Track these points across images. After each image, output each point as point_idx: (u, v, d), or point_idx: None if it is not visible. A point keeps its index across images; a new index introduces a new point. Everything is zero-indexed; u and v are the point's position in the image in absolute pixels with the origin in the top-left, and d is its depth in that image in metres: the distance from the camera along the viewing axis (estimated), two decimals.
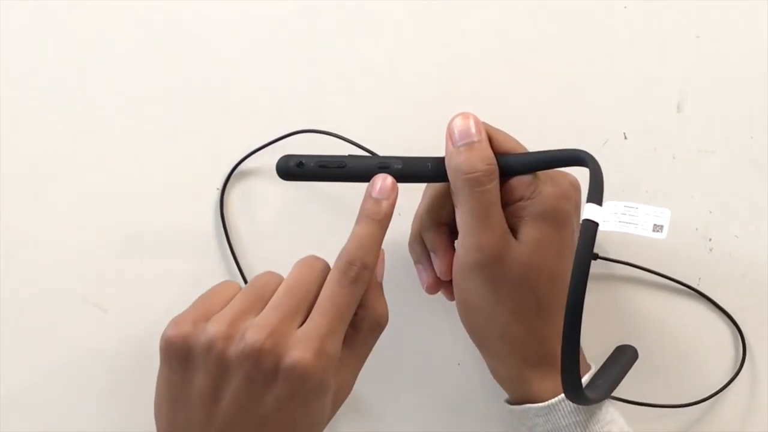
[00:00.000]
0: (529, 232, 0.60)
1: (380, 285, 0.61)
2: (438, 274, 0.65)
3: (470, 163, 0.59)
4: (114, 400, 0.71)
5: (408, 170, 0.61)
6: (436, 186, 0.64)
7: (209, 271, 0.71)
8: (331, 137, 0.69)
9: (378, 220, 0.58)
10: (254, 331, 0.53)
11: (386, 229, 0.59)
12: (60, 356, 0.71)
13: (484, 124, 0.61)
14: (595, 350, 0.67)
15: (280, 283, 0.57)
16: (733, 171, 0.72)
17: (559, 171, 0.62)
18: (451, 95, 0.72)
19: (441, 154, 0.61)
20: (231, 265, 0.71)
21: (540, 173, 0.61)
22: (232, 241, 0.71)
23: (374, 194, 0.59)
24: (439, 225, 0.65)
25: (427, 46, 0.73)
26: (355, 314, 0.58)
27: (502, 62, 0.73)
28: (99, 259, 0.71)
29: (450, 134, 0.61)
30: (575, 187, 0.62)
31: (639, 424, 0.64)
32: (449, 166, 0.60)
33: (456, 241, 0.63)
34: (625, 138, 0.72)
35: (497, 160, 0.60)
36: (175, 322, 0.56)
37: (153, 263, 0.71)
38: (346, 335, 0.57)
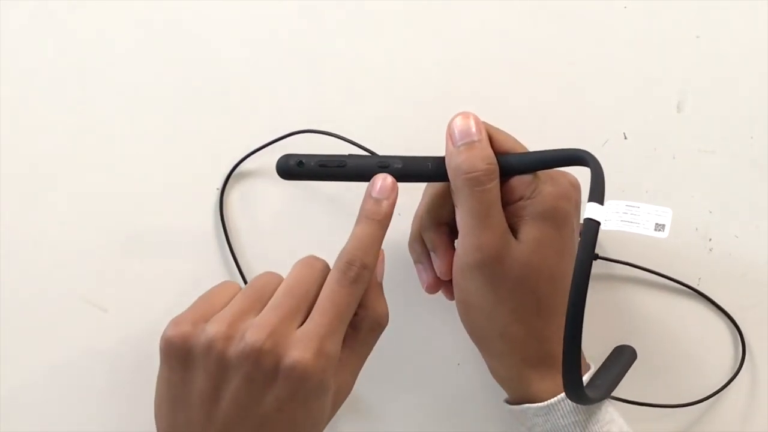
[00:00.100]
0: (529, 231, 0.60)
1: (380, 285, 0.61)
2: (438, 274, 0.65)
3: (470, 162, 0.59)
4: (114, 400, 0.71)
5: (408, 170, 0.61)
6: (436, 186, 0.64)
7: (209, 271, 0.71)
8: (331, 137, 0.69)
9: (378, 220, 0.58)
10: (254, 331, 0.53)
11: (386, 229, 0.59)
12: (60, 356, 0.71)
13: (485, 123, 0.61)
14: (595, 350, 0.67)
15: (280, 284, 0.57)
16: (733, 171, 0.72)
17: (559, 171, 0.62)
18: (451, 95, 0.72)
19: (441, 153, 0.61)
20: (231, 265, 0.71)
21: (540, 173, 0.61)
22: (231, 241, 0.71)
23: (374, 194, 0.59)
24: (439, 225, 0.65)
25: (427, 46, 0.73)
26: (356, 314, 0.58)
27: (502, 62, 0.73)
28: (99, 259, 0.71)
29: (450, 134, 0.61)
30: (575, 186, 0.62)
31: (639, 424, 0.64)
32: (449, 165, 0.60)
33: (456, 241, 0.63)
34: (625, 138, 0.72)
35: (497, 159, 0.60)
36: (175, 322, 0.56)
37: (153, 263, 0.71)
38: (347, 335, 0.57)
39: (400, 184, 0.61)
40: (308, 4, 0.72)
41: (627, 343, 0.70)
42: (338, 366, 0.56)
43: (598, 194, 0.53)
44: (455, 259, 0.62)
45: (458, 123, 0.60)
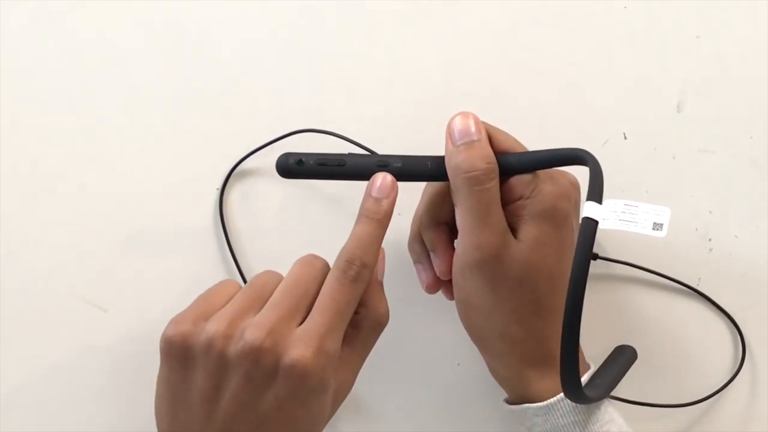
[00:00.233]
0: (528, 231, 0.60)
1: (381, 284, 0.61)
2: (438, 274, 0.66)
3: (470, 161, 0.59)
4: (114, 399, 0.71)
5: (407, 169, 0.61)
6: (436, 185, 0.64)
7: (209, 270, 0.71)
8: (331, 137, 0.69)
9: (378, 219, 0.58)
10: (253, 330, 0.53)
11: (386, 228, 0.59)
12: (60, 356, 0.71)
13: (484, 123, 0.61)
14: (594, 350, 0.67)
15: (280, 282, 0.57)
16: (733, 171, 0.72)
17: (559, 170, 0.62)
18: (451, 95, 0.72)
19: (441, 153, 0.61)
20: (230, 264, 0.71)
21: (540, 172, 0.61)
22: (231, 241, 0.71)
23: (374, 193, 0.59)
24: (439, 224, 0.65)
25: (427, 46, 0.73)
26: (356, 313, 0.58)
27: (502, 62, 0.73)
28: (99, 259, 0.71)
29: (450, 133, 0.61)
30: (575, 186, 0.63)
31: (639, 424, 0.64)
32: (449, 164, 0.60)
33: (456, 241, 0.63)
34: (625, 138, 0.72)
35: (497, 159, 0.60)
36: (175, 321, 0.56)
37: (153, 263, 0.71)
38: (347, 334, 0.57)
39: (400, 184, 0.61)
40: (308, 4, 0.72)
41: (627, 343, 0.70)
42: (338, 364, 0.56)
43: (596, 193, 0.53)
44: (455, 258, 0.62)
45: (458, 122, 0.60)
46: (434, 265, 0.66)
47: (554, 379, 0.61)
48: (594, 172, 0.55)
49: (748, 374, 0.72)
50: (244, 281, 0.70)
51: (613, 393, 0.64)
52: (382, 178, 0.60)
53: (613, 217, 0.54)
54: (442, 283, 0.67)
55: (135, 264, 0.71)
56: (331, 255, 0.59)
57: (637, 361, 0.68)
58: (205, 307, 0.57)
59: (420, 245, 0.67)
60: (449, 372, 0.72)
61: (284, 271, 0.59)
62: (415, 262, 0.68)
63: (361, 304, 0.58)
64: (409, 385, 0.73)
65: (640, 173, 0.72)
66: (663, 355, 0.72)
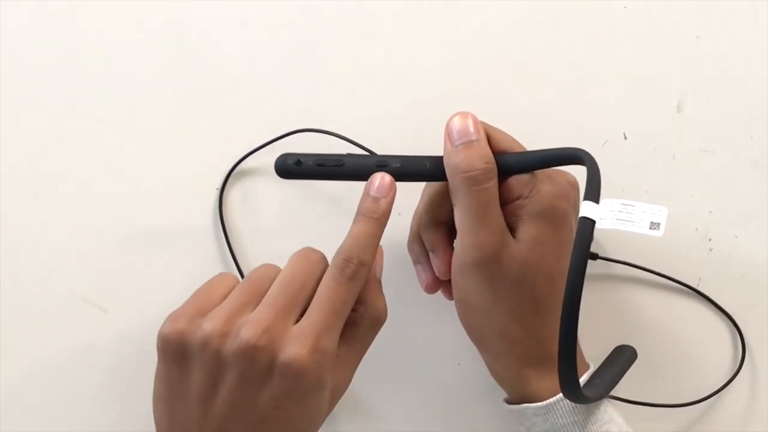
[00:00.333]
0: (527, 230, 0.60)
1: (379, 281, 0.61)
2: (437, 274, 0.65)
3: (469, 161, 0.59)
4: (114, 399, 0.71)
5: (406, 169, 0.61)
6: (435, 185, 0.64)
7: (208, 270, 0.69)
8: (331, 137, 0.69)
9: (376, 218, 0.58)
10: (249, 328, 0.53)
11: (384, 228, 0.59)
12: (60, 356, 0.71)
13: (483, 123, 0.61)
14: (594, 350, 0.67)
15: (277, 276, 0.57)
16: (733, 171, 0.72)
17: (558, 170, 0.62)
18: (450, 95, 0.72)
19: (440, 153, 0.61)
20: (230, 264, 0.71)
21: (538, 172, 0.61)
22: (231, 241, 0.71)
23: (372, 192, 0.59)
24: (438, 224, 0.65)
25: (427, 46, 0.73)
26: (354, 310, 0.58)
27: (502, 62, 0.73)
28: (99, 259, 0.71)
29: (448, 133, 0.61)
30: (574, 186, 0.63)
31: (638, 424, 0.64)
32: (447, 164, 0.60)
33: (455, 241, 0.63)
34: (625, 138, 0.72)
35: (495, 158, 0.60)
36: (172, 318, 0.56)
37: (152, 263, 0.71)
38: (345, 332, 0.57)
39: (399, 184, 0.61)
40: (308, 4, 0.72)
41: (627, 343, 0.70)
42: (336, 362, 0.56)
43: (593, 193, 0.54)
44: (454, 258, 0.62)
45: (456, 122, 0.60)
46: (433, 265, 0.66)
47: (554, 379, 0.61)
48: (591, 171, 0.55)
49: (748, 374, 0.72)
50: None
51: (613, 393, 0.64)
52: (380, 178, 0.59)
53: (611, 217, 0.54)
54: (441, 283, 0.67)
55: (135, 264, 0.71)
56: (330, 255, 0.59)
57: (637, 361, 0.68)
58: (202, 302, 0.57)
59: (419, 245, 0.67)
60: (449, 372, 0.72)
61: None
62: (415, 262, 0.68)
63: (359, 302, 0.58)
64: (409, 385, 0.72)
65: (640, 173, 0.72)
66: (663, 355, 0.72)
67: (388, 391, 0.72)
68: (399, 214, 0.67)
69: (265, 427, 0.54)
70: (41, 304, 0.70)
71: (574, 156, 0.57)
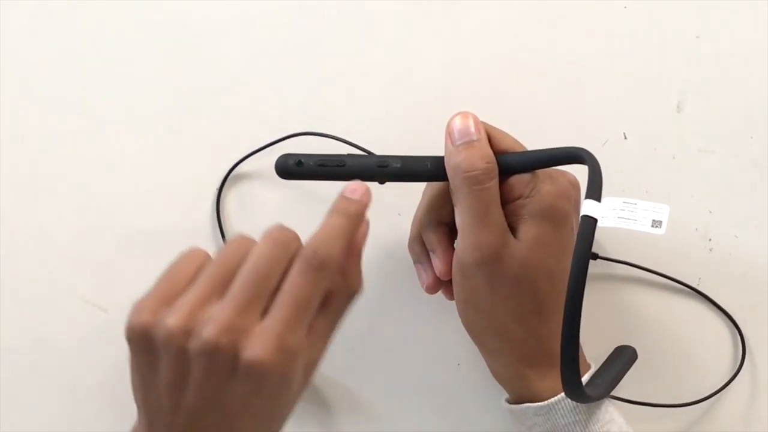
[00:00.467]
0: (528, 230, 0.60)
1: (360, 254, 0.59)
2: (438, 274, 0.65)
3: (469, 161, 0.59)
4: (114, 399, 0.71)
5: (407, 169, 0.61)
6: (436, 185, 0.64)
7: None
8: (330, 140, 0.69)
9: (348, 215, 0.56)
10: (211, 327, 0.51)
11: (356, 227, 0.57)
12: (60, 356, 0.71)
13: (484, 123, 0.61)
14: (595, 350, 0.67)
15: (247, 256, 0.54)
16: (733, 171, 0.72)
17: (559, 170, 0.62)
18: (450, 95, 0.72)
19: (441, 153, 0.61)
20: None
21: (539, 172, 0.61)
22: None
23: (346, 193, 0.57)
24: (439, 225, 0.65)
25: (427, 46, 0.73)
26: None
27: (502, 62, 0.73)
28: (99, 259, 0.71)
29: (449, 133, 0.61)
30: (574, 185, 0.63)
31: (639, 424, 0.64)
32: (448, 164, 0.60)
33: (455, 241, 0.63)
34: (625, 138, 0.72)
35: (496, 158, 0.60)
36: (137, 309, 0.54)
37: (152, 263, 0.70)
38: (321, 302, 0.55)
39: (400, 185, 0.61)
40: (308, 4, 0.72)
41: (627, 343, 0.70)
42: (309, 334, 0.54)
43: (595, 191, 0.54)
44: (454, 258, 0.62)
45: (457, 122, 0.61)
46: (434, 266, 0.65)
47: (555, 379, 0.61)
48: (592, 170, 0.55)
49: (748, 374, 0.72)
50: None
51: (614, 393, 0.64)
52: (356, 184, 0.58)
53: (612, 215, 0.54)
54: (442, 284, 0.67)
55: (134, 264, 0.70)
56: None
57: (637, 361, 0.68)
58: (167, 289, 0.55)
59: (420, 246, 0.67)
60: (449, 372, 0.72)
61: None
62: (415, 262, 0.68)
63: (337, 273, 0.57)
64: (409, 385, 0.72)
65: (640, 173, 0.72)
66: (663, 355, 0.72)
67: (388, 391, 0.72)
68: (399, 215, 0.67)
69: (235, 420, 0.53)
70: (41, 304, 0.70)
71: (575, 155, 0.57)
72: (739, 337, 0.72)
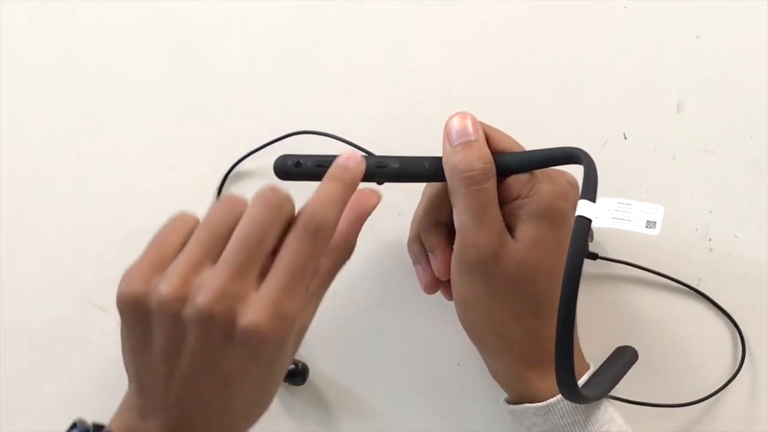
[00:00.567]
0: (526, 230, 0.60)
1: (362, 222, 0.58)
2: (436, 274, 0.65)
3: (467, 161, 0.59)
4: (114, 399, 0.70)
5: (405, 170, 0.61)
6: (435, 186, 0.64)
7: None
8: (329, 138, 0.69)
9: (344, 181, 0.55)
10: (205, 294, 0.50)
11: (351, 194, 0.56)
12: (60, 356, 0.71)
13: (482, 123, 0.61)
14: (595, 350, 0.67)
15: (239, 218, 0.53)
16: (733, 171, 0.72)
17: (557, 170, 0.62)
18: (450, 95, 0.72)
19: (440, 153, 0.61)
20: None
21: (538, 172, 0.61)
22: None
23: (341, 161, 0.56)
24: (437, 225, 0.65)
25: (427, 46, 0.73)
26: None
27: (501, 62, 0.73)
28: (99, 259, 0.71)
29: (447, 133, 0.61)
30: (573, 185, 0.62)
31: (638, 424, 0.64)
32: (446, 164, 0.60)
33: (454, 241, 0.63)
34: (625, 138, 0.72)
35: (494, 158, 0.60)
36: (127, 277, 0.52)
37: None
38: None
39: (399, 185, 0.61)
40: (308, 4, 0.72)
41: (627, 344, 0.70)
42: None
43: (590, 192, 0.53)
44: (453, 258, 0.62)
45: (455, 123, 0.61)
46: (433, 266, 0.65)
47: (554, 379, 0.61)
48: (588, 170, 0.55)
49: (748, 374, 0.72)
50: None
51: (613, 393, 0.64)
52: (350, 153, 0.57)
53: (607, 216, 0.54)
54: (441, 284, 0.67)
55: None
56: None
57: (637, 361, 0.68)
58: (157, 255, 0.53)
59: (419, 246, 0.67)
60: (449, 372, 0.72)
61: None
62: (414, 262, 0.68)
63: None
64: (409, 385, 0.72)
65: (640, 173, 0.72)
66: (663, 355, 0.72)
67: (388, 391, 0.72)
68: (399, 215, 0.67)
69: (231, 387, 0.52)
70: (41, 304, 0.71)
71: (571, 155, 0.57)
72: (739, 337, 0.72)
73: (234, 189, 0.71)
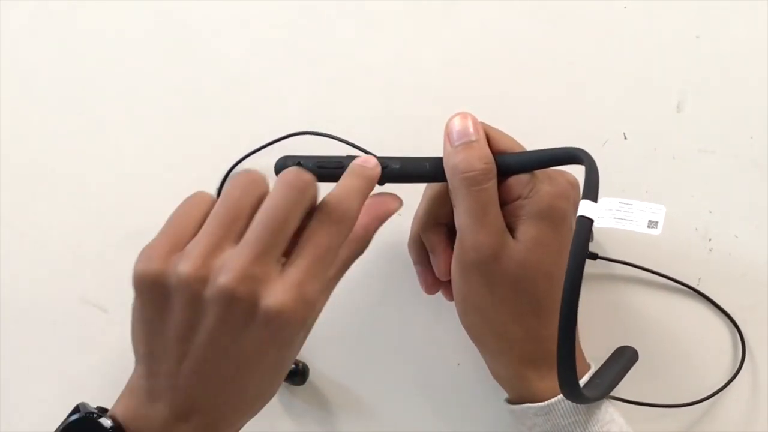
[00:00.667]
0: (526, 231, 0.60)
1: (379, 220, 0.58)
2: (437, 274, 0.66)
3: (468, 162, 0.59)
4: (114, 399, 0.71)
5: (406, 170, 0.61)
6: (435, 186, 0.64)
7: None
8: (330, 139, 0.69)
9: (365, 176, 0.56)
10: (227, 274, 0.50)
11: (371, 190, 0.57)
12: (60, 356, 0.71)
13: (483, 123, 0.61)
14: (595, 351, 0.67)
15: (259, 196, 0.52)
16: (733, 171, 0.72)
17: (558, 170, 0.62)
18: (450, 95, 0.72)
19: (440, 154, 0.61)
20: None
21: (538, 172, 0.61)
22: None
23: (360, 162, 0.58)
24: (438, 225, 0.65)
25: (427, 46, 0.73)
26: None
27: (502, 62, 0.73)
28: (99, 259, 0.71)
29: (448, 134, 0.61)
30: (574, 185, 0.62)
31: (639, 424, 0.64)
32: (447, 165, 0.60)
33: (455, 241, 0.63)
34: (625, 138, 0.72)
35: (495, 159, 0.60)
36: (146, 255, 0.52)
37: None
38: None
39: (400, 186, 0.61)
40: (308, 4, 0.72)
41: (627, 344, 0.70)
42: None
43: (591, 192, 0.53)
44: (453, 258, 0.62)
45: (456, 123, 0.61)
46: (433, 266, 0.66)
47: (554, 380, 0.61)
48: (589, 170, 0.55)
49: (748, 374, 0.72)
50: None
51: (614, 393, 0.64)
52: (367, 156, 0.59)
53: (608, 216, 0.54)
54: (441, 284, 0.67)
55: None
56: None
57: (637, 361, 0.68)
58: (176, 233, 0.53)
59: (419, 246, 0.67)
60: (449, 372, 0.72)
61: None
62: (415, 263, 0.68)
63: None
64: (409, 385, 0.72)
65: (640, 173, 0.72)
66: (663, 355, 0.72)
67: (388, 391, 0.72)
68: (399, 215, 0.67)
69: (244, 369, 0.52)
70: (41, 304, 0.71)
71: (572, 155, 0.58)
72: (739, 337, 0.72)
73: None
